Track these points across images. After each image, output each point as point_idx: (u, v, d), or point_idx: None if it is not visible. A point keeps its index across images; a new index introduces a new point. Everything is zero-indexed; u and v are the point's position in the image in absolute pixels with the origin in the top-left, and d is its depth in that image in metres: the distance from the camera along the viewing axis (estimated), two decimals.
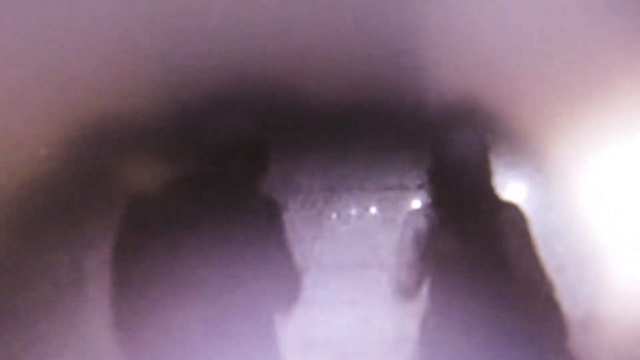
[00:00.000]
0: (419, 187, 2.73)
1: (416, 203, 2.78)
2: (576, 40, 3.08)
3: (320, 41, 2.59)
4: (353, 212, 3.10)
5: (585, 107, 3.30)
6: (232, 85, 2.51)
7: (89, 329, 2.35)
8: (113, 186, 2.43)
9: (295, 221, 2.56)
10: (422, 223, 2.58)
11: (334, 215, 3.09)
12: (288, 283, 2.40)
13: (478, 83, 2.97)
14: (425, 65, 2.80)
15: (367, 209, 3.09)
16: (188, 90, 2.47)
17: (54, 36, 2.41)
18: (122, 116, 2.46)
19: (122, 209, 2.27)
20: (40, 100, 2.43)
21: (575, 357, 2.56)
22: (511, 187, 2.87)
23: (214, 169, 2.40)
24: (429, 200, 2.64)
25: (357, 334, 2.75)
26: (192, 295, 2.22)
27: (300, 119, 2.64)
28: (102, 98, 2.44)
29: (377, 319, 2.73)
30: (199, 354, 2.21)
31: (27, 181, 2.41)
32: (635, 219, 3.39)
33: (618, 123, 3.49)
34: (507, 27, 2.89)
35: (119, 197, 2.34)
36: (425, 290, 2.59)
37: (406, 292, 2.58)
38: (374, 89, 2.70)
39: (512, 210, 2.55)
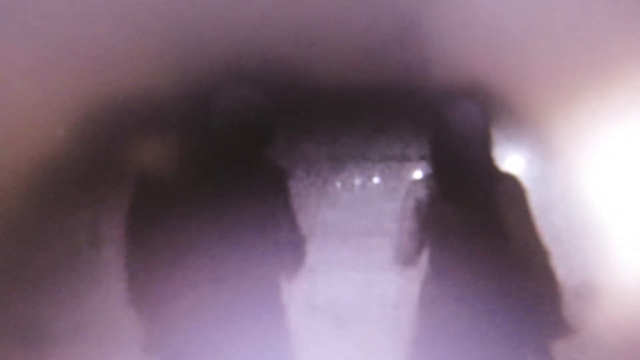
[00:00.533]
0: (421, 158, 2.86)
1: (418, 174, 2.90)
2: (581, 18, 3.18)
3: (326, 14, 2.69)
4: (357, 181, 3.23)
5: (589, 82, 3.41)
6: (240, 60, 2.63)
7: (105, 289, 2.55)
8: (128, 160, 2.61)
9: (301, 189, 2.71)
10: (423, 193, 2.72)
11: (338, 184, 3.23)
12: (293, 249, 2.57)
13: (482, 58, 3.08)
14: (430, 39, 2.91)
15: (370, 179, 3.23)
16: (198, 65, 2.60)
17: (68, 15, 2.52)
18: (135, 93, 2.60)
19: (136, 178, 2.45)
20: (56, 81, 2.57)
21: (569, 323, 2.70)
22: (510, 158, 2.99)
23: (224, 141, 2.54)
24: (430, 171, 2.78)
25: (359, 298, 2.91)
26: (202, 259, 2.41)
27: (306, 92, 2.76)
28: (115, 77, 2.57)
29: (379, 284, 2.87)
30: (208, 314, 2.38)
31: (46, 159, 2.57)
32: (631, 193, 3.56)
33: (620, 100, 3.62)
34: (513, 3, 3.00)
35: (133, 169, 2.53)
36: (425, 257, 2.72)
37: (407, 259, 2.72)
38: (378, 63, 2.81)
39: (510, 182, 2.68)
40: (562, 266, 2.74)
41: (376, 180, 3.33)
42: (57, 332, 2.85)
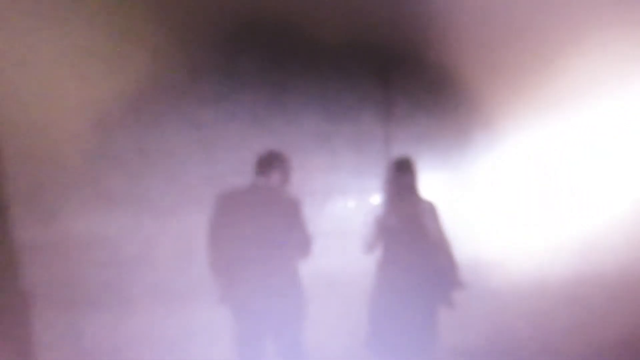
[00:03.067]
0: (377, 192, 4.36)
1: (376, 200, 4.35)
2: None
3: None
4: (340, 205, 5.16)
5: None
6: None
7: None
8: None
9: (308, 209, 4.01)
10: (379, 210, 4.21)
11: (330, 207, 5.11)
12: (303, 244, 3.84)
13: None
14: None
15: (348, 203, 5.23)
16: None
17: None
18: None
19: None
20: None
21: (464, 283, 4.16)
22: (431, 187, 4.50)
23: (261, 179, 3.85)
24: (383, 199, 4.22)
25: (342, 271, 4.50)
26: (252, 248, 3.73)
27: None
28: None
29: (353, 264, 4.42)
30: (252, 279, 3.68)
31: None
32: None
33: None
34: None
35: None
36: (379, 248, 4.21)
37: (369, 249, 4.22)
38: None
39: (428, 203, 4.18)
40: (460, 250, 4.23)
41: (352, 204, 5.15)
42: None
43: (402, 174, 4.14)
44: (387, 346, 4.11)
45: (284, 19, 8.40)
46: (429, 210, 4.12)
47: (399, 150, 7.22)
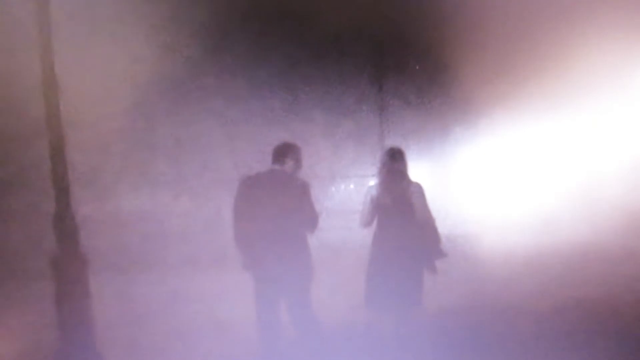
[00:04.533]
0: (373, 175, 4.30)
1: (372, 182, 4.31)
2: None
3: None
4: (342, 186, 5.15)
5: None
6: None
7: None
8: None
9: (315, 190, 3.98)
10: (374, 191, 4.14)
11: (333, 188, 5.11)
12: (312, 221, 3.86)
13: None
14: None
15: (349, 185, 5.13)
16: None
17: None
18: None
19: None
20: None
21: (445, 252, 4.12)
22: (419, 173, 4.43)
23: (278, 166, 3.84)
24: (378, 181, 4.18)
25: (342, 242, 4.48)
26: (268, 226, 3.75)
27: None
28: None
29: (352, 236, 4.39)
30: (268, 248, 3.69)
31: None
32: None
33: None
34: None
35: None
36: (375, 223, 4.16)
37: (366, 224, 4.16)
38: None
39: (416, 185, 4.10)
40: (445, 226, 4.18)
41: (352, 185, 5.02)
42: None
43: (394, 162, 4.11)
44: (382, 305, 4.10)
45: (296, 31, 8.39)
46: (417, 191, 4.08)
47: (391, 142, 7.23)
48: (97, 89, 6.98)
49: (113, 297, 5.36)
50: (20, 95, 6.01)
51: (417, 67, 9.04)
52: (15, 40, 5.78)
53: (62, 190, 4.24)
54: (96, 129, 7.39)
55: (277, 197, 3.81)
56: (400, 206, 4.06)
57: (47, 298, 4.32)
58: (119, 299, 5.51)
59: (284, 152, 3.92)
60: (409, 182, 4.12)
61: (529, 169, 8.77)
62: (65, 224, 4.25)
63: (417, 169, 4.43)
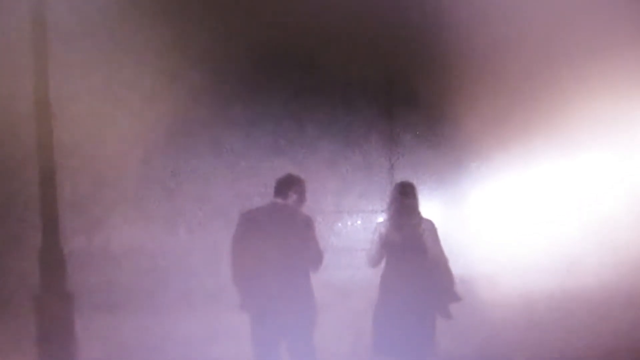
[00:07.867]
0: (382, 211, 4.28)
1: (380, 219, 4.28)
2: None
3: None
4: (349, 223, 5.13)
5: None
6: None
7: None
8: None
9: (321, 226, 3.97)
10: (383, 228, 4.11)
11: (340, 224, 5.08)
12: (316, 258, 3.83)
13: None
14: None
15: (356, 222, 5.10)
16: None
17: None
18: None
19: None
20: None
21: (459, 296, 4.07)
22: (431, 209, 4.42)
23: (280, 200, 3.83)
24: (387, 218, 4.15)
25: (350, 281, 4.41)
26: (271, 263, 3.72)
27: None
28: None
29: (359, 276, 4.34)
30: (270, 288, 3.67)
31: None
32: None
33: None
34: None
35: None
36: (384, 262, 4.11)
37: (374, 263, 4.13)
38: None
39: (428, 222, 4.08)
40: (456, 266, 4.15)
41: (359, 221, 5.02)
42: None
43: (404, 197, 4.09)
44: (389, 351, 4.02)
45: (302, 57, 8.51)
46: (428, 229, 4.05)
47: (401, 176, 7.23)
48: (92, 116, 7.08)
49: (99, 338, 5.29)
50: (12, 121, 6.10)
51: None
52: (10, 65, 5.91)
53: (50, 221, 4.25)
54: (89, 157, 7.46)
55: (279, 233, 3.81)
56: (410, 244, 4.03)
57: (28, 338, 4.28)
58: (105, 340, 5.43)
59: (287, 184, 3.93)
60: (420, 218, 4.10)
61: (549, 206, 8.73)
62: (52, 258, 4.24)
63: (429, 205, 4.42)
